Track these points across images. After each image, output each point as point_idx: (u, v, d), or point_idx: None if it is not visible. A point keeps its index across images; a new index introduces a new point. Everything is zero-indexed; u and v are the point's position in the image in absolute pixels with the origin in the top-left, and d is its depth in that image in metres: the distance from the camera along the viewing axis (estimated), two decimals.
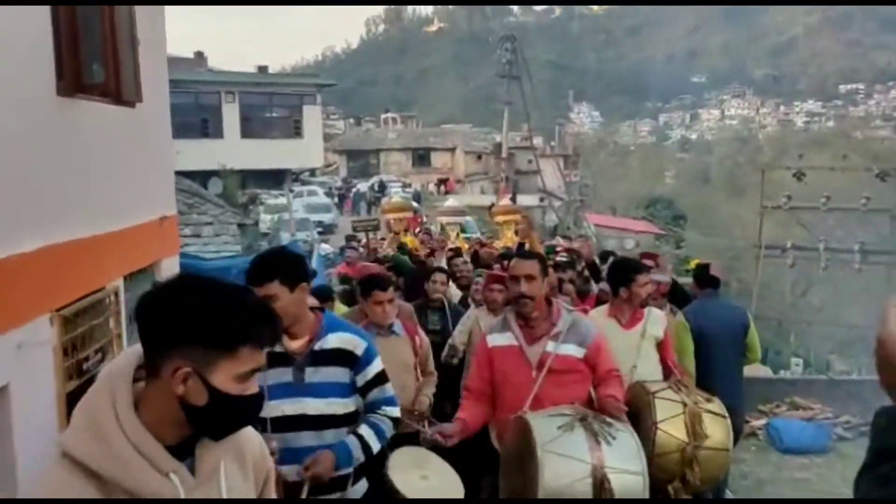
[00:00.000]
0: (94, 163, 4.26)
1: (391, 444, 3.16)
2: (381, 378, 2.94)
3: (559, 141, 52.30)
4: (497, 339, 3.43)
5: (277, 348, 2.75)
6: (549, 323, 3.39)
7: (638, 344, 4.13)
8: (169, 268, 5.62)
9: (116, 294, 4.43)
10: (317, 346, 2.82)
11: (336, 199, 35.13)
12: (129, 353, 1.50)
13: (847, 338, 21.20)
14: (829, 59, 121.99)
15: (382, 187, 37.91)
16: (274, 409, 2.71)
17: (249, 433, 1.69)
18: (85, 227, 3.98)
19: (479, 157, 49.49)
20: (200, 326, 1.41)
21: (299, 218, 20.44)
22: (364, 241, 9.77)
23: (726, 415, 3.75)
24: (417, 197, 35.53)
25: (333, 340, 2.84)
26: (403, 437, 3.43)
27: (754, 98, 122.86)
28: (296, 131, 31.97)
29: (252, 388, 1.49)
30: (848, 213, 18.75)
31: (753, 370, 11.01)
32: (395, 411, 3.00)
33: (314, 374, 2.80)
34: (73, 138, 3.95)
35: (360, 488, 2.96)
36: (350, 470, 2.85)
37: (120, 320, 4.47)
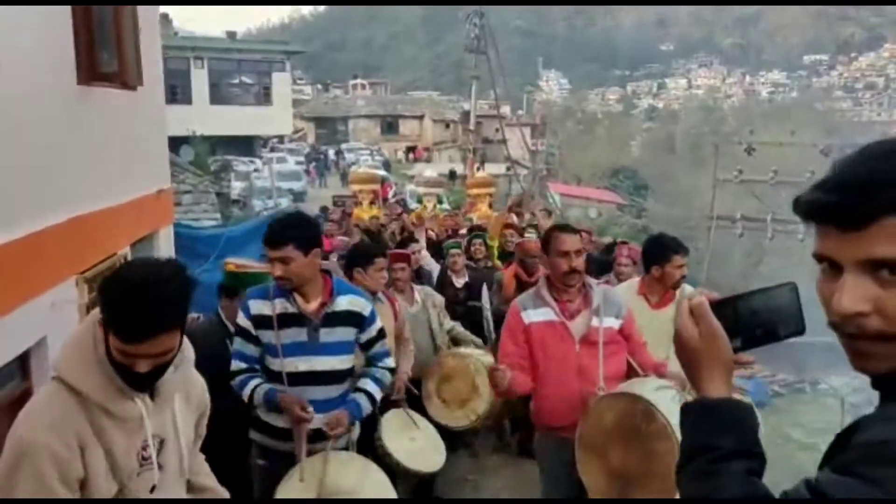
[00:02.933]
0: (106, 142, 4.74)
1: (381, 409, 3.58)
2: (381, 334, 3.24)
3: (527, 109, 52.61)
4: (534, 315, 3.37)
5: (292, 309, 2.97)
6: (582, 297, 3.39)
7: (671, 329, 4.00)
8: (165, 236, 6.11)
9: (125, 259, 4.94)
10: (330, 309, 3.02)
11: (314, 165, 35.26)
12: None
13: None
14: (794, 30, 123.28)
15: (339, 154, 38.86)
16: (289, 364, 2.98)
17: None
18: (101, 200, 4.48)
19: (448, 126, 49.74)
20: (103, 301, 1.80)
21: (270, 186, 20.69)
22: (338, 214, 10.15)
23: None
24: (387, 165, 35.81)
25: (344, 303, 3.06)
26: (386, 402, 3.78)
27: (721, 67, 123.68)
28: (265, 98, 31.94)
29: (138, 367, 1.79)
30: (795, 186, 19.66)
31: None
32: (391, 362, 3.35)
33: (328, 335, 3.02)
34: (90, 122, 4.42)
35: (356, 431, 3.32)
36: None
37: None
